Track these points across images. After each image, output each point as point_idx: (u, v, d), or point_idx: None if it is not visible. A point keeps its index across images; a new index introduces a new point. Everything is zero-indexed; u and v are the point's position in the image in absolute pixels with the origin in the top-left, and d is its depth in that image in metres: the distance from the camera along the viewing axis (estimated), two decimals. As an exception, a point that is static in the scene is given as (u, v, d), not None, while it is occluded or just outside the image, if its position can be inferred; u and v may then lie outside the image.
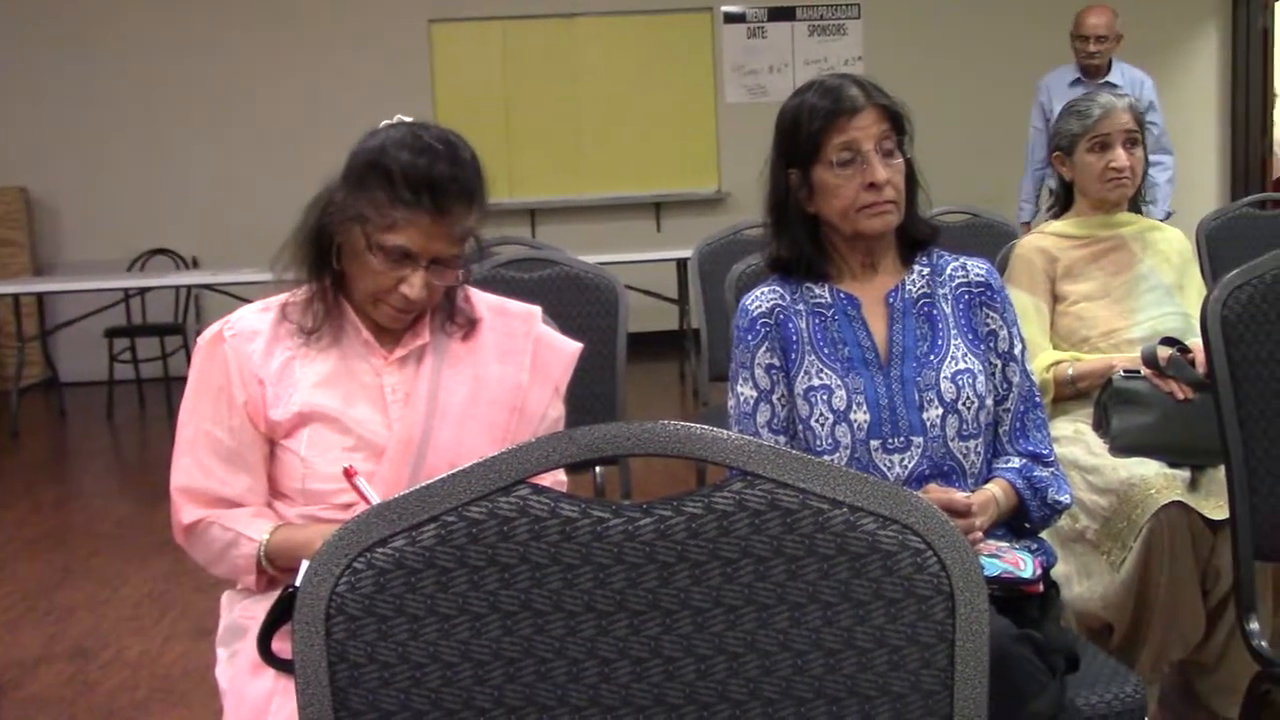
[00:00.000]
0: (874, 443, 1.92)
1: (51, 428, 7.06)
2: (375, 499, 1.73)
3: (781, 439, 1.98)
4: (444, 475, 0.92)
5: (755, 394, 1.99)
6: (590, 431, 0.91)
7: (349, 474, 1.74)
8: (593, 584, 0.91)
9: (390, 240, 1.72)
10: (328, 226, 1.79)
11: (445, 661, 0.91)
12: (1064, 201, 2.93)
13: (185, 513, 1.82)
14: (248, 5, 8.29)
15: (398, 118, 1.81)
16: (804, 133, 1.94)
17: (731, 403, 2.04)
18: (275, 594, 1.73)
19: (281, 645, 1.67)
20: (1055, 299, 2.80)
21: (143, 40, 8.23)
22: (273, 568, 1.78)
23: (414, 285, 1.74)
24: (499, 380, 1.87)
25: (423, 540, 0.91)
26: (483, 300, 1.94)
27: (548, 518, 0.92)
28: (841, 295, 2.00)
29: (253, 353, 1.82)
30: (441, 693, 0.91)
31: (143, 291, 7.44)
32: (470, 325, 1.89)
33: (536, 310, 1.98)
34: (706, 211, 8.53)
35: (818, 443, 1.93)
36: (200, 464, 1.82)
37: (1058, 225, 2.88)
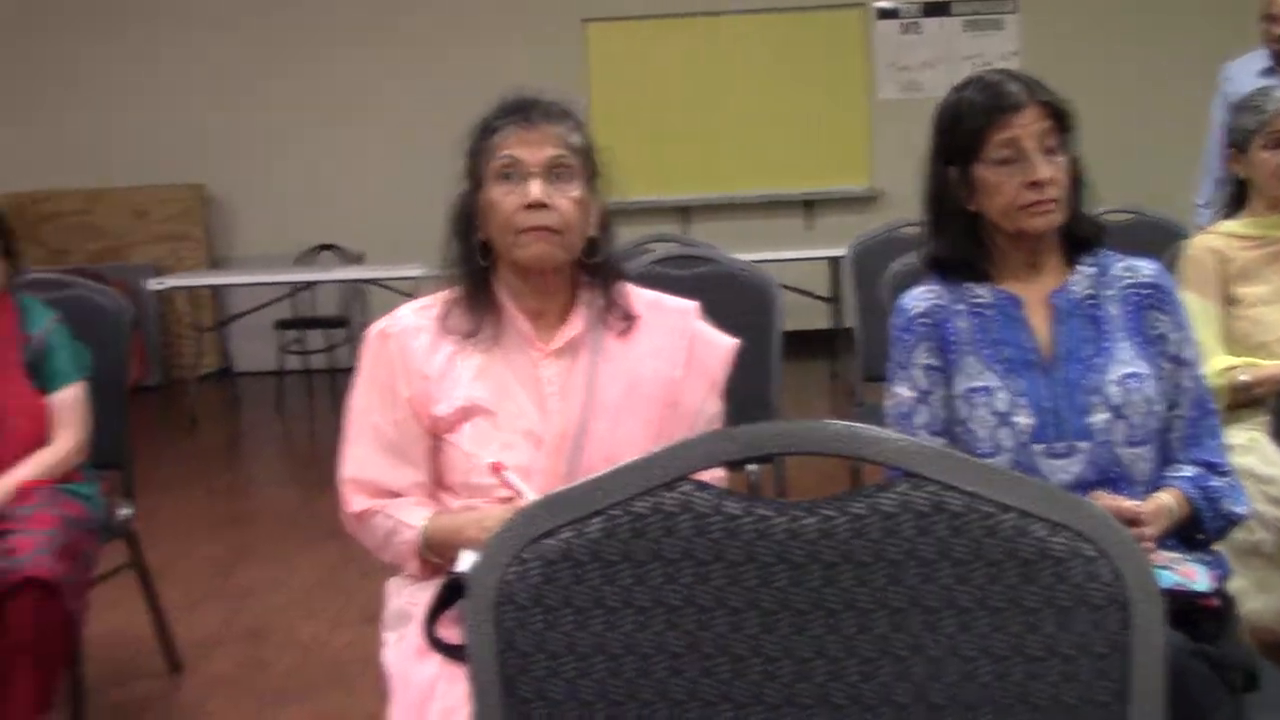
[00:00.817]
0: (1037, 447, 1.88)
1: (226, 416, 7.38)
2: (527, 493, 1.76)
3: (940, 441, 1.95)
4: (609, 470, 0.94)
5: (913, 395, 1.97)
6: (754, 429, 0.92)
7: (497, 469, 1.79)
8: (756, 581, 0.92)
9: (497, 160, 1.82)
10: (468, 215, 1.87)
11: (610, 653, 0.93)
12: (1238, 200, 2.81)
13: (353, 502, 1.90)
14: (411, 5, 8.52)
15: None
16: (963, 130, 1.91)
17: (889, 403, 2.02)
18: (439, 581, 1.78)
19: (446, 631, 1.72)
20: (1228, 302, 2.69)
21: (311, 42, 8.53)
22: (432, 554, 1.83)
23: (532, 189, 1.80)
24: (654, 375, 1.89)
25: (589, 533, 0.93)
26: (639, 296, 1.97)
27: (711, 514, 0.92)
28: (1003, 295, 1.96)
29: (417, 349, 1.88)
30: (607, 684, 0.93)
31: (311, 285, 7.72)
32: (627, 320, 1.92)
33: (693, 306, 1.99)
34: (858, 209, 8.44)
35: (978, 445, 1.90)
36: (367, 456, 1.89)
37: (1230, 225, 2.77)
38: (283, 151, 8.57)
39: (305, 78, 8.55)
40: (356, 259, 8.20)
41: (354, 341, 7.70)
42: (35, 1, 8.54)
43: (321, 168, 8.57)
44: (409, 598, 1.87)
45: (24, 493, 2.64)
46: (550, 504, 0.94)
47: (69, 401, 2.81)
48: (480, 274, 1.88)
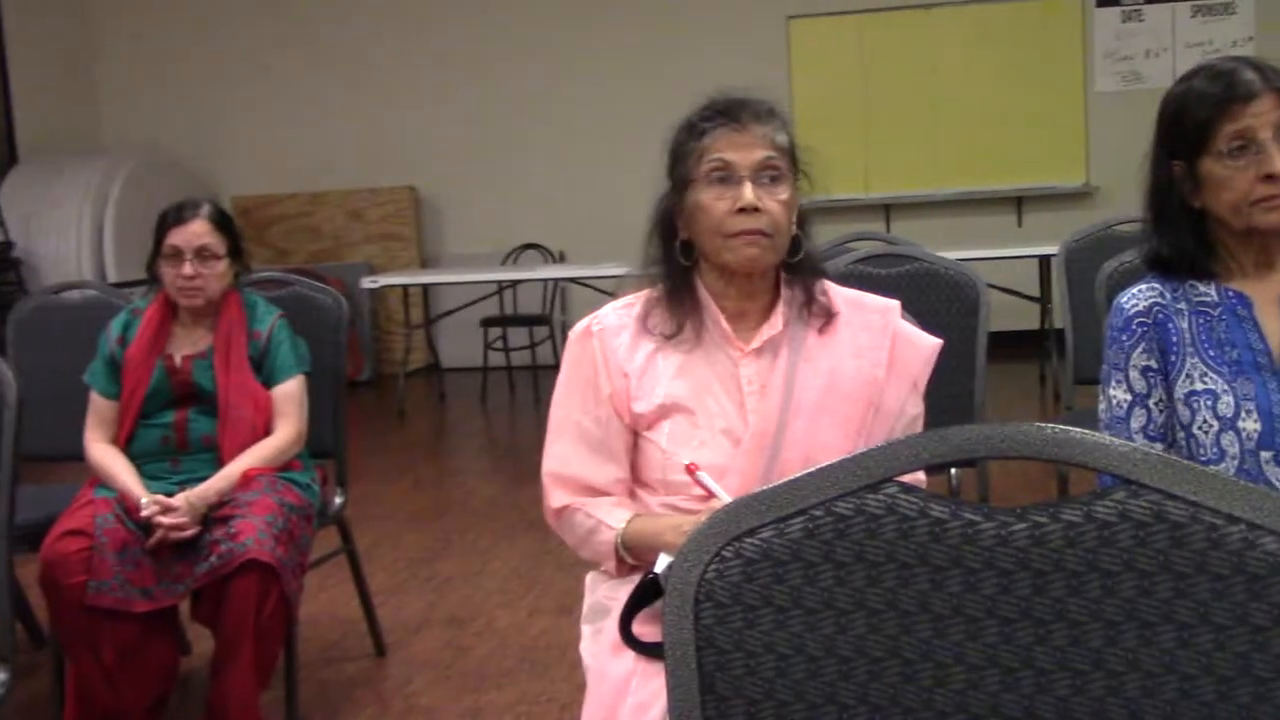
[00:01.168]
0: (1265, 454, 1.77)
1: (432, 409, 7.63)
2: (721, 493, 1.76)
3: (1158, 446, 1.86)
4: (812, 469, 0.93)
5: (1129, 397, 1.89)
6: (966, 431, 0.89)
7: (691, 470, 1.79)
8: (962, 587, 0.89)
9: (706, 162, 1.80)
10: (671, 215, 1.87)
11: (810, 655, 0.92)
12: None
13: (554, 497, 1.93)
14: (613, 6, 8.64)
15: None
16: (1190, 121, 1.82)
17: (1102, 406, 1.94)
18: (636, 579, 1.80)
19: (641, 629, 1.73)
20: None
21: (515, 46, 8.74)
22: (630, 555, 1.85)
23: (745, 193, 1.79)
24: (855, 374, 1.86)
25: (790, 533, 0.92)
26: (840, 294, 1.94)
27: (916, 517, 0.90)
28: (1230, 294, 1.86)
29: (619, 347, 1.90)
30: (805, 685, 0.92)
31: (515, 284, 7.91)
32: (827, 317, 1.90)
33: (895, 304, 1.96)
34: (1072, 205, 8.14)
35: (1201, 451, 1.81)
36: (569, 452, 1.92)
37: None
38: (489, 154, 8.81)
39: (510, 82, 8.77)
40: (558, 258, 8.36)
41: (554, 339, 7.86)
42: (256, 20, 9.00)
43: (525, 169, 8.77)
44: (606, 593, 1.89)
45: (247, 480, 2.79)
46: (752, 502, 0.93)
47: (289, 394, 2.95)
48: (682, 273, 1.89)
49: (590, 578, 1.97)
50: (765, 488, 0.94)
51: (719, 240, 1.82)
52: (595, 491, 1.91)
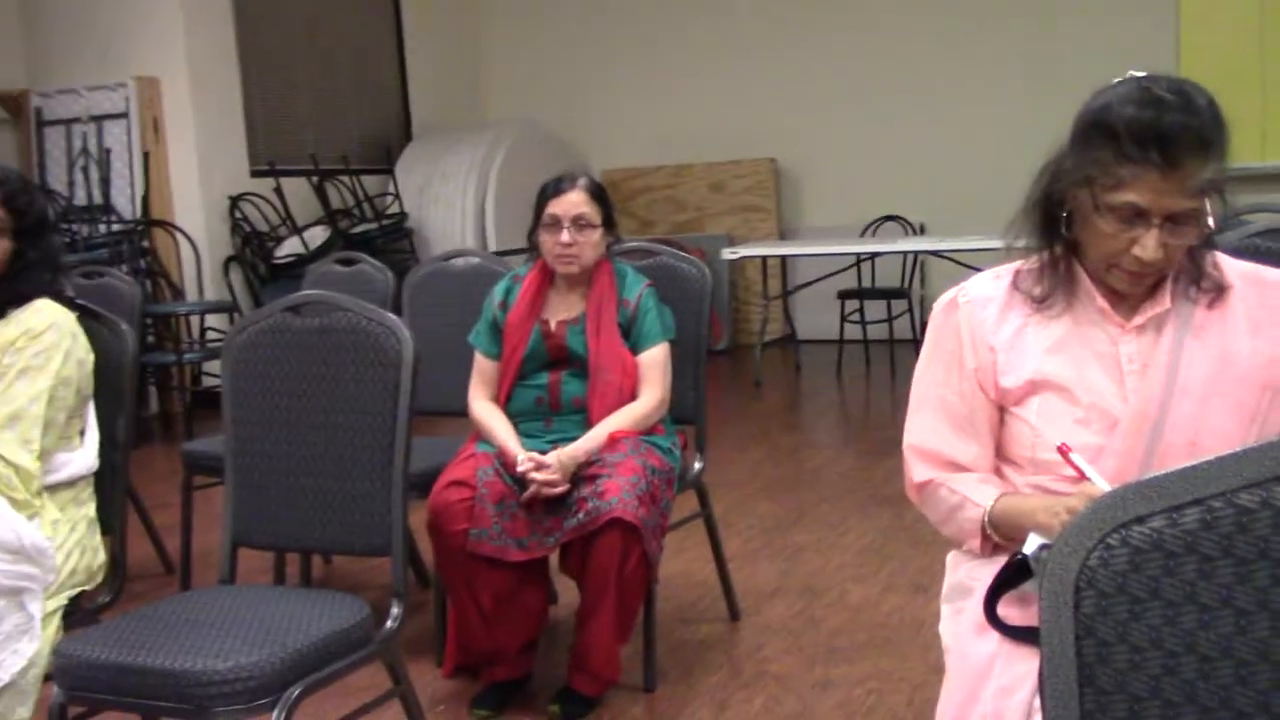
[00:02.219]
0: None
1: (788, 380, 7.67)
2: (1095, 476, 1.67)
3: None
4: (1212, 458, 0.87)
5: None
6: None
7: (1063, 451, 1.71)
8: (1387, 595, 0.81)
9: (1118, 199, 1.64)
10: (1056, 193, 1.75)
11: (1203, 654, 0.86)
12: None
13: (916, 471, 1.89)
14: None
15: (1129, 73, 1.71)
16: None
17: None
18: (1000, 559, 1.74)
19: (1007, 611, 1.68)
20: None
21: (871, 20, 8.59)
22: (996, 534, 1.79)
23: (1147, 246, 1.64)
24: (1250, 355, 1.72)
25: (1184, 523, 0.86)
26: (1233, 267, 1.79)
27: (1333, 515, 0.82)
28: None
29: (985, 319, 1.84)
30: (1196, 686, 0.86)
31: (873, 256, 7.81)
32: (1218, 292, 1.75)
33: None
34: None
35: None
36: (931, 426, 1.88)
37: None
38: (848, 125, 8.74)
39: (870, 52, 8.65)
40: (918, 230, 8.19)
41: (912, 313, 7.72)
42: (625, 1, 9.31)
43: (886, 140, 8.63)
44: (969, 573, 1.84)
45: (614, 441, 2.91)
46: (1142, 489, 0.88)
47: (655, 360, 3.04)
48: (1063, 246, 1.79)
49: (951, 557, 1.93)
50: (1157, 474, 0.88)
51: (1104, 263, 1.72)
52: (957, 467, 1.86)
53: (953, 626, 1.81)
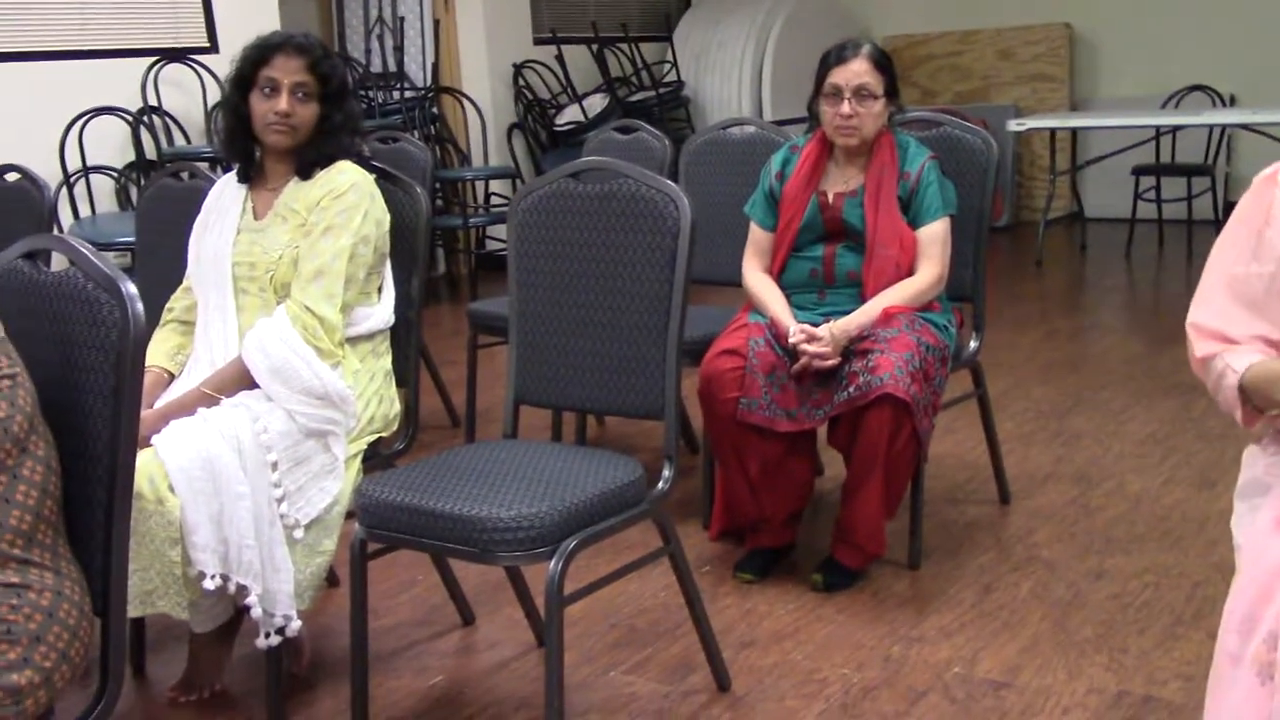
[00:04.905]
0: None
1: (1072, 260, 7.33)
2: None
3: None
4: None
5: None
6: None
7: None
8: None
9: None
10: None
11: None
12: None
13: (1198, 347, 1.80)
14: None
15: None
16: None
17: None
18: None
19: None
20: None
21: None
22: (1254, 400, 1.69)
23: None
24: None
25: None
26: None
27: None
28: None
29: (1303, 198, 1.70)
30: None
31: (1174, 130, 7.29)
32: None
33: None
34: None
35: None
36: (1217, 303, 1.78)
37: None
38: (1157, -14, 8.11)
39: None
40: (1227, 102, 7.57)
41: (1215, 192, 7.19)
42: None
43: (1191, 4, 7.96)
44: (1267, 469, 1.74)
45: (888, 317, 2.86)
46: None
47: (934, 235, 2.96)
48: None
49: (1249, 451, 1.83)
50: None
51: None
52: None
53: (1247, 523, 1.72)
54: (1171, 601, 2.79)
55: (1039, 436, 4.02)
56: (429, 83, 7.47)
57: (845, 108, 2.92)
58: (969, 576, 2.98)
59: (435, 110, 7.44)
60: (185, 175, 3.07)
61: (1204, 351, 1.79)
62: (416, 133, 7.06)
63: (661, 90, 7.93)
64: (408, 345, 2.69)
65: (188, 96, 5.87)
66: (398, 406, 2.64)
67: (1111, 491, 3.50)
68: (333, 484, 2.43)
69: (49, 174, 4.64)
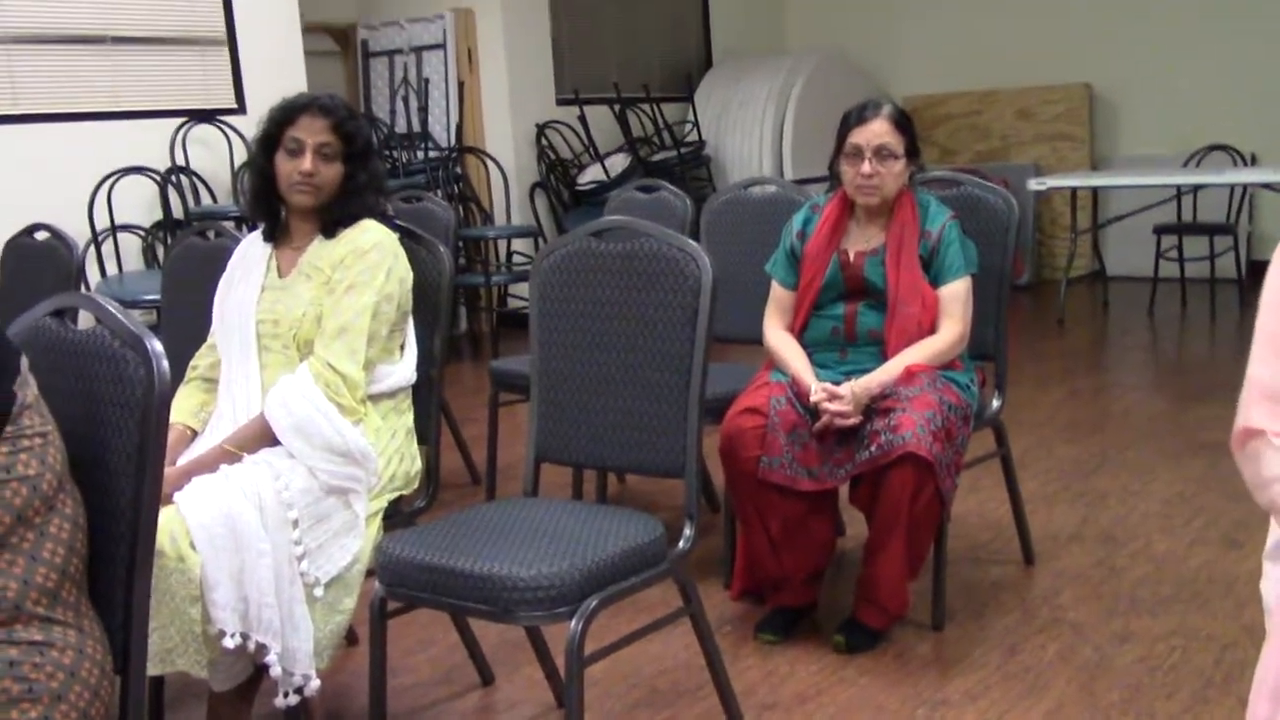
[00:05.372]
0: None
1: (1094, 318, 7.31)
2: None
3: None
4: None
5: None
6: None
7: None
8: None
9: None
10: None
11: None
12: None
13: (1254, 413, 1.59)
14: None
15: None
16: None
17: None
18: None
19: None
20: None
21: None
22: None
23: None
24: None
25: None
26: None
27: None
28: None
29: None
30: None
31: (1196, 189, 7.29)
32: None
33: None
34: None
35: None
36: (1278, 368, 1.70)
37: None
38: (1171, 46, 8.15)
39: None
40: (1248, 161, 7.58)
41: (1237, 251, 7.18)
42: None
43: (1212, 62, 8.00)
44: (1296, 530, 1.71)
45: (910, 375, 2.85)
46: None
47: (956, 294, 2.96)
48: None
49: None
50: None
51: None
52: None
53: (1277, 587, 1.69)
54: (1200, 665, 2.75)
55: (1063, 496, 3.99)
56: (453, 143, 7.55)
57: (866, 167, 2.94)
58: (993, 638, 2.95)
59: (459, 170, 7.51)
60: (211, 234, 3.11)
61: (1259, 424, 1.59)
62: (440, 192, 7.13)
63: (683, 149, 7.99)
64: (429, 403, 2.70)
65: (215, 157, 5.95)
66: (419, 464, 2.64)
67: (1137, 552, 3.46)
68: (353, 542, 2.43)
69: (78, 232, 4.71)
